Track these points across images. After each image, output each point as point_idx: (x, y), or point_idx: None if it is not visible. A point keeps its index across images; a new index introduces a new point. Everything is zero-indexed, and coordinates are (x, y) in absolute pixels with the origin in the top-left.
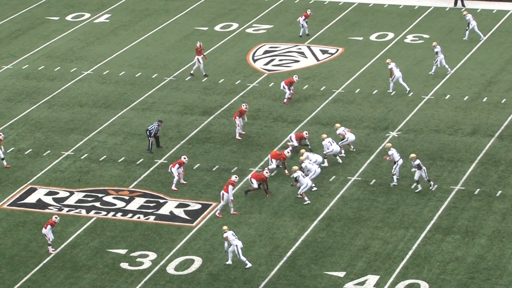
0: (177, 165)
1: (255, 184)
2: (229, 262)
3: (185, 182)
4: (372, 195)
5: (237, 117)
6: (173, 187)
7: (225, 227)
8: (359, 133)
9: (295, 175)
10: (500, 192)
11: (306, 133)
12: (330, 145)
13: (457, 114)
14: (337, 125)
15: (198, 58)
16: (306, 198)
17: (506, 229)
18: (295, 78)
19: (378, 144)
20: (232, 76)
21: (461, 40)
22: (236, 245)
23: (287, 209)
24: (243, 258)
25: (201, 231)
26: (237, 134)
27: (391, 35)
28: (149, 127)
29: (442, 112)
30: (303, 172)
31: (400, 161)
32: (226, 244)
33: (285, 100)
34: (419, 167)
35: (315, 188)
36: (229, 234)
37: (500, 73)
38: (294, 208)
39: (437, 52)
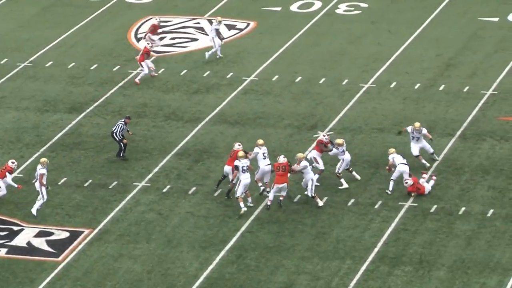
0: (7, 175)
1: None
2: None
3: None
4: (296, 215)
5: (143, 60)
6: None
7: None
8: (279, 134)
9: (302, 164)
10: (463, 209)
11: (324, 136)
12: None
13: (406, 108)
14: (338, 141)
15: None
16: (319, 200)
17: (472, 257)
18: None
19: (303, 148)
20: (109, 60)
21: (409, 10)
22: None
23: (184, 236)
24: None
25: (69, 267)
26: (140, 77)
27: (318, 4)
28: (113, 129)
29: (387, 105)
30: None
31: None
32: None
33: None
34: None
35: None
36: None
37: (462, 53)
38: (194, 235)
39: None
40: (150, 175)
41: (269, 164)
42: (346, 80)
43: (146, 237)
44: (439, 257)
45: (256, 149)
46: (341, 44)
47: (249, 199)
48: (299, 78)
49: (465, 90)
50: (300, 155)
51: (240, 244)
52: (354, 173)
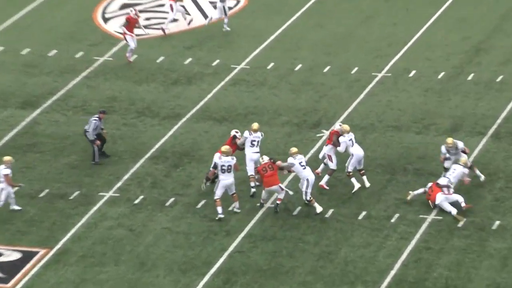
0: None
1: None
2: None
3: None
4: (296, 231)
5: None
6: None
7: None
8: (274, 133)
9: (288, 160)
10: (498, 223)
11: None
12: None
13: (427, 101)
14: (345, 126)
15: (172, 5)
16: (316, 205)
17: (509, 281)
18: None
19: (305, 151)
20: (70, 45)
21: None
22: None
23: (160, 257)
24: None
25: None
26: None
27: None
28: (85, 127)
29: (405, 98)
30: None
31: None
32: None
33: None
34: None
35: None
36: None
37: (493, 36)
38: (172, 255)
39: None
40: (120, 184)
41: (257, 152)
42: (355, 69)
43: (114, 258)
44: (469, 282)
45: (246, 133)
46: (349, 26)
47: (236, 204)
48: (299, 66)
49: (498, 79)
50: (293, 149)
51: (228, 267)
52: (364, 178)
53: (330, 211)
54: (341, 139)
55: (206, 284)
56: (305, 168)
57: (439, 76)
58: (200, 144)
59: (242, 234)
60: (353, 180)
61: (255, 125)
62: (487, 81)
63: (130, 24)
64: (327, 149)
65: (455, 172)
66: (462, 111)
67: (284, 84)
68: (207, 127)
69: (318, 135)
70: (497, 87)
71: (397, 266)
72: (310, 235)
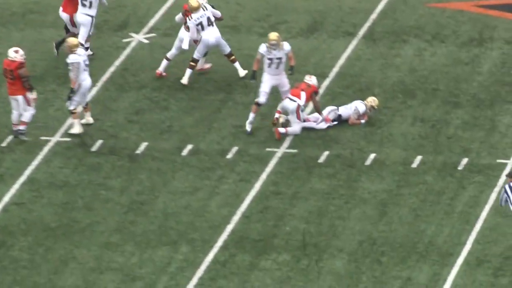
0: None
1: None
2: None
3: None
4: (94, 173)
5: None
6: None
7: None
8: (61, 36)
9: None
10: (372, 156)
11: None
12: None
13: None
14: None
15: None
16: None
17: (389, 236)
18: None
19: (107, 62)
20: None
21: None
22: None
23: None
24: None
25: None
26: None
27: None
28: None
29: None
30: None
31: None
32: None
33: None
34: None
35: None
36: None
37: None
38: None
39: None
40: None
41: (91, 16)
42: None
43: None
44: (335, 237)
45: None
46: None
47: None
48: None
49: None
50: (73, 41)
51: (2, 225)
52: (237, 65)
53: (143, 145)
54: (188, 23)
55: None
56: (86, 70)
57: None
58: None
59: (21, 180)
60: (237, 66)
61: None
62: None
63: None
64: (184, 34)
65: (350, 105)
66: (323, 3)
67: None
68: None
69: (124, 40)
70: None
71: (236, 218)
72: (115, 179)
